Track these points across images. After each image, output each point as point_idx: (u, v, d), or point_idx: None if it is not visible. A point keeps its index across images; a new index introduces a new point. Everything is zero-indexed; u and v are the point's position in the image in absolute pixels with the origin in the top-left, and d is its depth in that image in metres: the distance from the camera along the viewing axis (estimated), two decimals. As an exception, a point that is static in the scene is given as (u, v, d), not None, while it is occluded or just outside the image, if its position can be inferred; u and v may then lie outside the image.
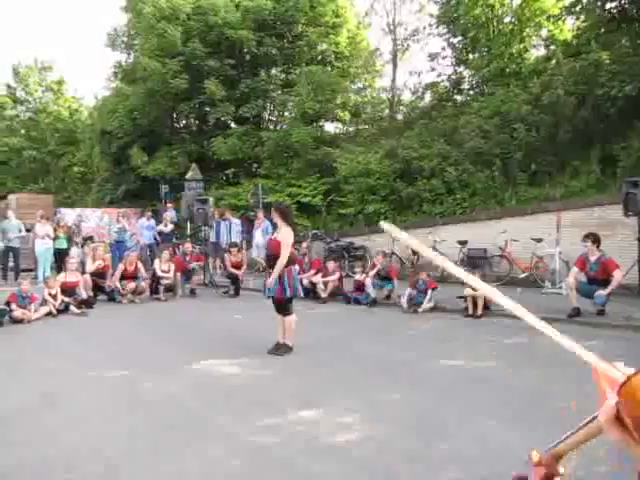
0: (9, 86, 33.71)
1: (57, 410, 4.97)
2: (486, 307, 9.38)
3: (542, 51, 18.08)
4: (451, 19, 18.70)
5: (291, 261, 7.00)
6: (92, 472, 3.73)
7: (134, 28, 22.13)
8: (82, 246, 15.43)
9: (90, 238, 16.34)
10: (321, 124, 21.97)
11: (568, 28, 17.15)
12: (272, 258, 6.93)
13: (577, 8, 15.13)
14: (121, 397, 5.33)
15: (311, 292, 11.30)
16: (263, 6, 20.34)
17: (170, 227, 16.37)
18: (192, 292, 12.70)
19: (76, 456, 3.98)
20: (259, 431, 4.43)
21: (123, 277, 11.77)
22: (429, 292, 10.12)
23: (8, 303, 9.31)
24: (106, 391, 5.54)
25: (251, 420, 4.66)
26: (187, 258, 12.91)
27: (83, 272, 11.80)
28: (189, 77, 19.91)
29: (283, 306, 7.00)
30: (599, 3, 13.96)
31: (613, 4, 13.99)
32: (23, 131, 33.08)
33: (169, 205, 17.41)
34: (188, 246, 13.24)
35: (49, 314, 9.88)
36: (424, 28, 21.40)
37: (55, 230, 15.00)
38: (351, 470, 3.71)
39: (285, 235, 6.91)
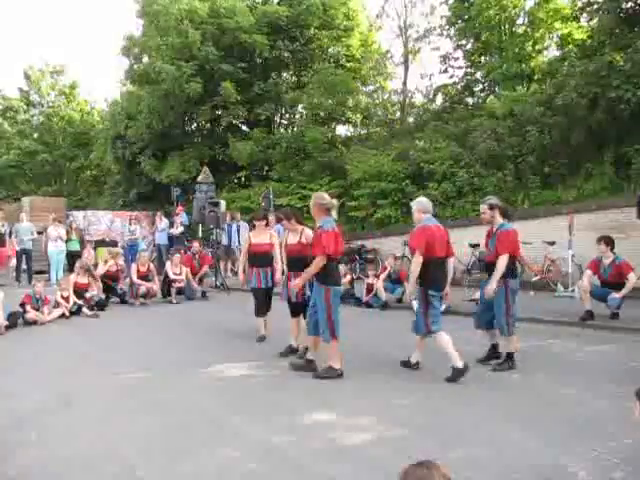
0: (22, 90, 33.98)
1: (73, 411, 5.01)
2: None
3: (555, 52, 18.03)
4: (463, 20, 18.68)
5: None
6: (109, 472, 3.76)
7: (148, 31, 22.19)
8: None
9: (102, 241, 16.56)
10: (333, 126, 21.99)
11: (582, 29, 17.05)
12: (299, 261, 6.78)
13: (593, 7, 15.00)
14: (136, 398, 5.36)
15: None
16: (280, 12, 20.43)
17: (180, 230, 16.47)
18: (203, 295, 12.74)
19: (93, 456, 4.01)
20: (274, 432, 4.44)
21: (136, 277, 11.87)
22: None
23: (23, 304, 9.38)
24: (121, 392, 5.57)
25: (266, 421, 4.68)
26: (197, 257, 12.95)
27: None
28: (202, 81, 20.01)
29: (304, 307, 7.00)
30: (614, 4, 13.85)
31: (629, 4, 13.86)
32: (36, 134, 33.31)
33: (179, 208, 17.49)
34: (196, 245, 13.26)
35: (62, 316, 9.95)
36: (434, 29, 21.39)
37: (67, 232, 15.12)
38: (366, 471, 3.72)
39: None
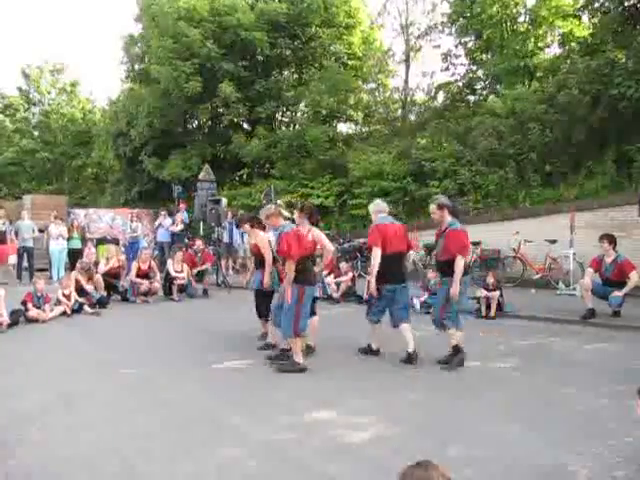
0: (21, 89, 33.97)
1: (74, 410, 5.00)
2: (499, 309, 9.34)
3: (557, 50, 18.01)
4: (464, 17, 18.65)
5: None
6: (109, 472, 3.75)
7: (148, 31, 22.19)
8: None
9: (104, 239, 16.54)
10: (334, 124, 21.97)
11: (584, 26, 17.02)
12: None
13: (595, 5, 14.96)
14: (137, 397, 5.35)
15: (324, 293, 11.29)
16: (278, 9, 20.39)
17: (180, 227, 16.47)
18: (205, 292, 12.74)
19: (93, 456, 4.01)
20: (274, 431, 4.44)
21: (137, 275, 11.85)
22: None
23: (24, 302, 9.38)
24: (122, 391, 5.57)
25: (266, 420, 4.67)
26: (199, 255, 12.94)
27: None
28: (203, 79, 19.99)
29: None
30: (617, 1, 13.81)
31: (631, 2, 13.82)
32: (36, 133, 33.32)
33: (181, 206, 17.50)
34: (199, 243, 13.24)
35: (63, 314, 9.95)
36: (435, 26, 21.33)
37: (69, 230, 15.12)
38: (366, 470, 3.72)
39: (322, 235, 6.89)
